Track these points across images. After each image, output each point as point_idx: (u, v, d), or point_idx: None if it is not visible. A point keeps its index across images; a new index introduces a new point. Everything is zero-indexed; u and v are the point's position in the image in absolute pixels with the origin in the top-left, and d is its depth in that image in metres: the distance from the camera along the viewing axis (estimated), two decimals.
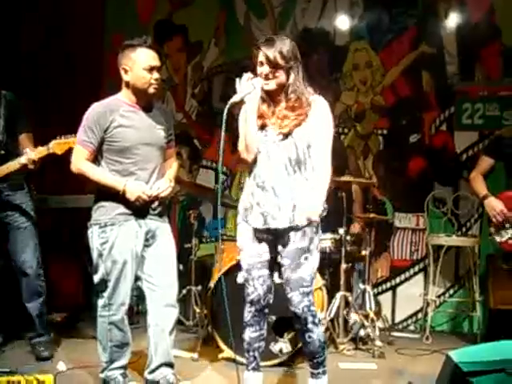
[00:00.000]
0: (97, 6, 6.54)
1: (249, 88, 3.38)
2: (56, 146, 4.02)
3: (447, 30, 6.03)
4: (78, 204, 5.14)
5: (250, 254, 3.51)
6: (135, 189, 3.62)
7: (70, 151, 3.85)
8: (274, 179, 3.41)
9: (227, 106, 3.35)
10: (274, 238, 3.48)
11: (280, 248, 3.48)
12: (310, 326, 3.46)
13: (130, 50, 3.67)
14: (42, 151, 4.07)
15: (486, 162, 4.84)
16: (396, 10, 6.16)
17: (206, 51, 6.63)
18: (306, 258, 3.43)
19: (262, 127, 3.47)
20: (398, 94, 6.19)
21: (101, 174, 3.68)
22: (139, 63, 3.65)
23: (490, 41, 5.92)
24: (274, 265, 3.57)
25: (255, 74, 3.43)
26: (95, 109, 3.70)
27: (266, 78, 3.40)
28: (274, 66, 3.38)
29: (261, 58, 3.41)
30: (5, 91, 4.45)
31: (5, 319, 4.70)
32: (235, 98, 3.39)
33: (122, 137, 3.66)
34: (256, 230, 3.47)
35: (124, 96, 3.75)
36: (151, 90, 3.70)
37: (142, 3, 6.75)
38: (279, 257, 3.51)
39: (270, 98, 3.49)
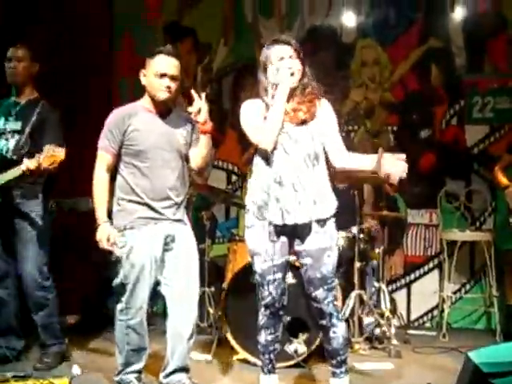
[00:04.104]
0: (104, 6, 6.59)
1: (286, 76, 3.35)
2: (45, 159, 3.88)
3: (454, 22, 5.99)
4: (90, 206, 5.12)
5: (264, 258, 3.42)
6: (102, 232, 3.63)
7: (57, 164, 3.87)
8: (293, 174, 3.36)
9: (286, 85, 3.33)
10: (290, 235, 3.43)
11: (299, 246, 3.44)
12: (334, 320, 3.43)
13: (151, 56, 3.74)
14: (36, 161, 3.93)
15: (506, 158, 5.28)
16: (401, 5, 6.13)
17: (215, 52, 6.62)
18: (328, 256, 3.40)
19: None
20: (407, 89, 6.16)
21: (97, 196, 3.72)
22: (152, 68, 3.72)
23: (497, 32, 5.88)
24: (287, 267, 3.54)
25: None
26: (114, 114, 3.79)
27: (292, 73, 3.37)
28: (301, 59, 3.41)
29: (289, 52, 3.39)
30: (43, 100, 4.41)
31: (27, 324, 4.55)
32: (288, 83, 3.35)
33: (137, 140, 3.70)
34: (273, 228, 3.39)
35: (143, 102, 3.82)
36: (160, 96, 3.72)
37: (149, 2, 6.76)
38: (299, 256, 3.46)
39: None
